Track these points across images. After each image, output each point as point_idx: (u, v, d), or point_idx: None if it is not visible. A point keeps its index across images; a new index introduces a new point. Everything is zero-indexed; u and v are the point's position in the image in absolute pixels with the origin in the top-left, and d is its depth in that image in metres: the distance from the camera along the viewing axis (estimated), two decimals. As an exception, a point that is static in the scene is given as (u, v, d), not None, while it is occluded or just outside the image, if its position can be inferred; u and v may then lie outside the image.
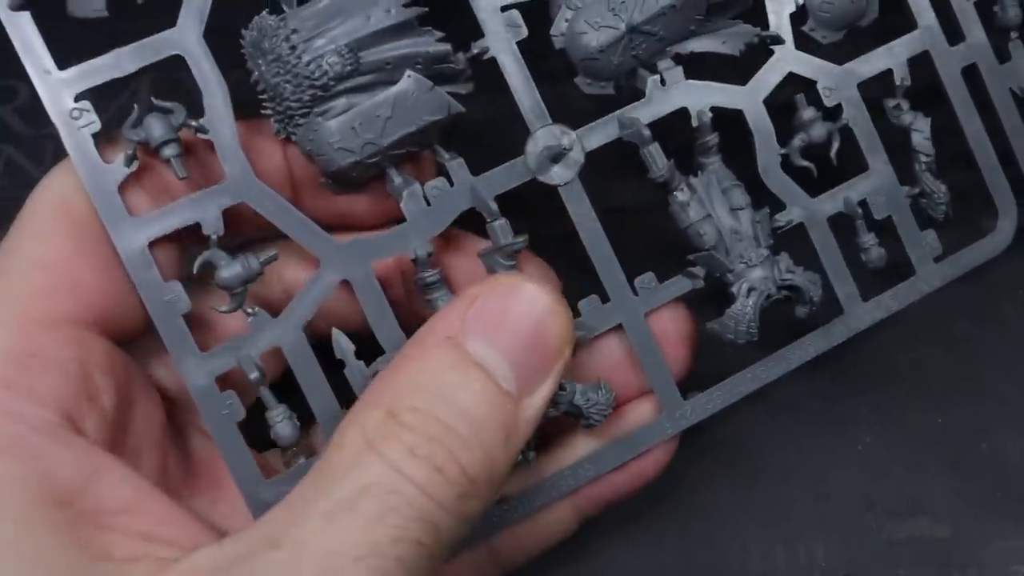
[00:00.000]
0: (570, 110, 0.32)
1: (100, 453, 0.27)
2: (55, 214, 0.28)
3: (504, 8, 0.31)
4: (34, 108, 0.49)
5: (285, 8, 0.30)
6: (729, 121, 0.33)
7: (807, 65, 0.34)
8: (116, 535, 0.26)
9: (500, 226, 0.30)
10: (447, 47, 0.30)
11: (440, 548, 0.26)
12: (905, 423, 0.41)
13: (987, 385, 0.42)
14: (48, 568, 0.25)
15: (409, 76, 0.30)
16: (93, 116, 0.28)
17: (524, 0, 0.31)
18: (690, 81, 0.33)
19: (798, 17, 0.34)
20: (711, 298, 0.33)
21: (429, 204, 0.31)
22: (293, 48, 0.29)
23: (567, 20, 0.32)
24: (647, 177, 0.32)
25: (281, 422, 0.29)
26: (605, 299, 0.32)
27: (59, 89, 0.28)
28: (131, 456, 0.29)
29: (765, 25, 0.34)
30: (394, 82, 0.30)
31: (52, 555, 0.25)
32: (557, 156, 0.31)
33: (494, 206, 0.30)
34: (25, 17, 0.28)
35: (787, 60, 0.34)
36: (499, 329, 0.27)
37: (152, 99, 0.29)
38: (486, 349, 0.27)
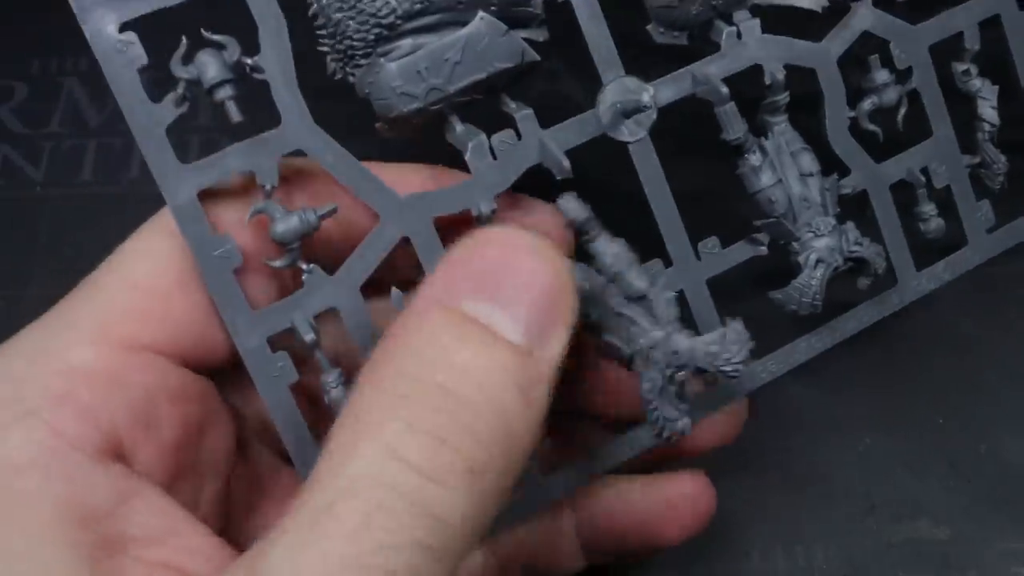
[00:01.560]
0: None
1: (139, 481, 0.25)
2: (171, 235, 0.27)
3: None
4: (31, 108, 0.48)
5: (351, -62, 0.27)
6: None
7: (883, 24, 0.33)
8: (133, 564, 0.24)
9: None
10: (526, -12, 0.28)
11: (452, 547, 0.21)
12: (905, 423, 0.41)
13: (987, 385, 0.42)
14: None
15: (482, 18, 0.28)
16: (139, 49, 0.26)
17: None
18: (766, 36, 0.31)
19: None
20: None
21: (495, 158, 0.29)
22: (360, -18, 0.27)
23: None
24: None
25: (337, 387, 0.28)
26: (667, 264, 0.31)
27: (102, 18, 0.25)
28: (192, 482, 0.28)
29: (840, -21, 0.32)
30: (465, 23, 0.28)
31: (58, 573, 0.23)
32: (630, 111, 0.29)
33: (566, 162, 0.28)
34: None
35: (864, 17, 0.32)
36: (492, 283, 0.24)
37: (202, 31, 0.26)
38: (482, 305, 0.24)
